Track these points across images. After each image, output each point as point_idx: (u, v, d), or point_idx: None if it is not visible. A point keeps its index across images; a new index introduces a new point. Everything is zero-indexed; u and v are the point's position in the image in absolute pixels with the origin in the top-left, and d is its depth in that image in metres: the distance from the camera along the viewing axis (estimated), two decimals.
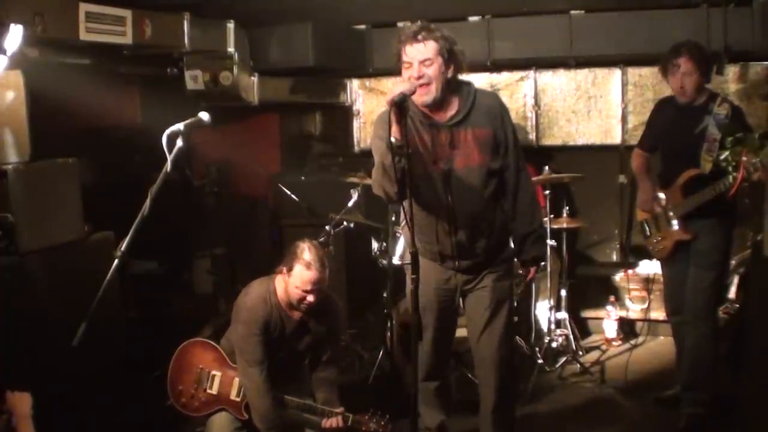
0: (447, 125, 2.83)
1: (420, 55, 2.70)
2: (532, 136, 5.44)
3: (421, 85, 2.70)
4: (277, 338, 3.10)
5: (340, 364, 3.43)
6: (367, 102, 5.88)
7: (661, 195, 3.80)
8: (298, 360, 3.27)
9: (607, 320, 5.04)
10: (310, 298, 3.02)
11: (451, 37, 2.78)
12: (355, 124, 5.94)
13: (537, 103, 5.40)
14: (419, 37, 2.71)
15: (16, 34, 3.09)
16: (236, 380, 3.15)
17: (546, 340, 4.62)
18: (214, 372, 3.21)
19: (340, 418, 3.02)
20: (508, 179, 2.96)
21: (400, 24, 5.27)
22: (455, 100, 2.84)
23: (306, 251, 3.02)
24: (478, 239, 2.95)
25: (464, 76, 2.90)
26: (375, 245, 4.47)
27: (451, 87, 2.82)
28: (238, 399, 3.13)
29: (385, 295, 4.47)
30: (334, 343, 3.31)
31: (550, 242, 4.57)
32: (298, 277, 3.00)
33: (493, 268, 3.02)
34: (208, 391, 3.19)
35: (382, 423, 2.99)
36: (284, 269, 3.06)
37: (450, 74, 2.77)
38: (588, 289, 5.26)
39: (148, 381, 3.81)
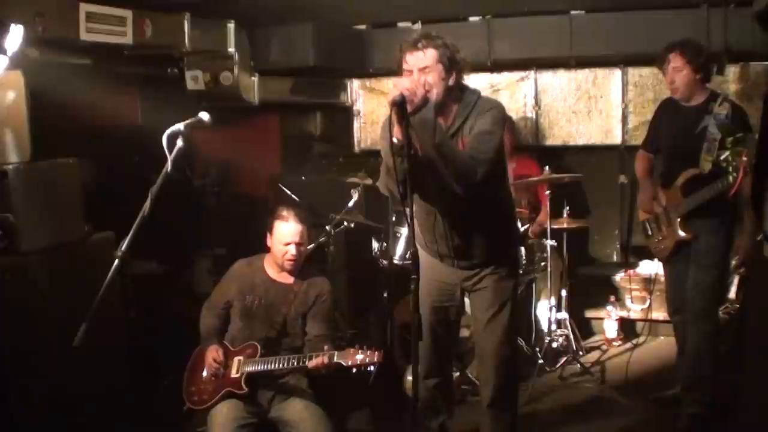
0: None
1: (420, 63, 2.70)
2: (533, 137, 5.44)
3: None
4: (259, 299, 3.30)
5: (335, 343, 3.41)
6: (368, 102, 5.88)
7: (662, 195, 3.81)
8: (291, 334, 3.29)
9: (608, 320, 5.04)
10: (292, 250, 3.26)
11: (454, 44, 2.76)
12: (356, 124, 5.94)
13: (537, 104, 5.41)
14: (419, 45, 2.71)
15: (16, 34, 3.09)
16: (236, 359, 3.21)
17: (547, 340, 4.62)
18: None
19: (326, 357, 3.02)
20: None
21: (400, 24, 5.28)
22: (455, 109, 2.82)
23: (283, 210, 3.34)
24: (474, 243, 2.97)
25: (466, 79, 2.87)
26: (375, 245, 4.47)
27: (453, 95, 2.80)
28: (237, 375, 3.17)
29: (385, 295, 4.47)
30: (325, 313, 3.34)
31: (551, 242, 4.57)
32: (278, 232, 3.28)
33: (495, 268, 3.03)
34: (213, 378, 3.23)
35: (368, 352, 2.99)
36: (268, 234, 3.33)
37: (451, 82, 2.76)
38: (589, 289, 5.26)
39: (161, 389, 3.85)
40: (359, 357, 2.98)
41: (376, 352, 2.98)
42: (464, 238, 2.95)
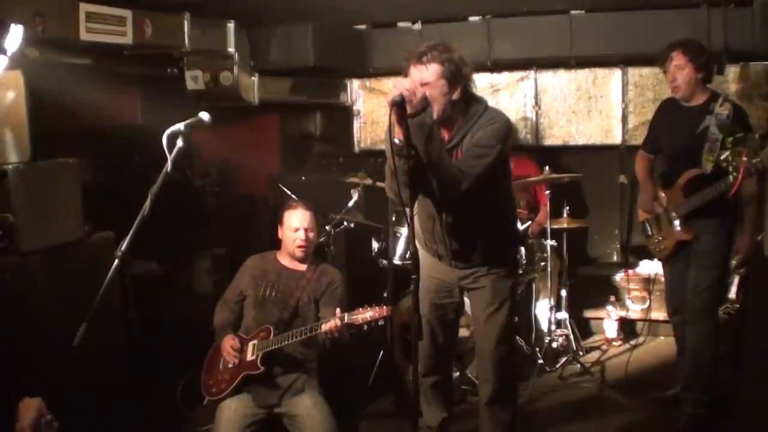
0: (446, 149, 2.77)
1: (422, 78, 2.69)
2: (532, 137, 5.44)
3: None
4: (272, 285, 3.40)
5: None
6: (368, 102, 5.88)
7: (662, 195, 3.81)
8: (303, 317, 3.34)
9: (608, 320, 5.04)
10: (301, 235, 3.40)
11: (461, 57, 2.75)
12: (355, 124, 5.94)
13: (537, 103, 5.41)
14: (423, 59, 2.70)
15: (16, 34, 3.09)
16: (250, 344, 3.26)
17: (546, 340, 4.62)
18: None
19: (337, 320, 3.08)
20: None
21: (400, 24, 5.28)
22: (459, 121, 2.82)
23: (291, 201, 3.58)
24: (472, 248, 2.98)
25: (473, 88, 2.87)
26: (375, 245, 4.47)
27: (457, 108, 2.79)
28: (253, 357, 3.21)
29: (385, 295, 4.47)
30: (337, 300, 3.39)
31: (551, 242, 4.57)
32: (287, 221, 3.44)
33: (492, 268, 3.03)
34: (229, 366, 3.27)
35: (377, 308, 3.07)
36: (279, 227, 3.48)
37: (455, 96, 2.75)
38: (588, 289, 5.26)
39: (181, 388, 3.88)
40: (369, 314, 3.06)
41: (384, 307, 3.07)
42: (462, 242, 2.96)
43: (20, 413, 2.22)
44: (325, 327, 3.08)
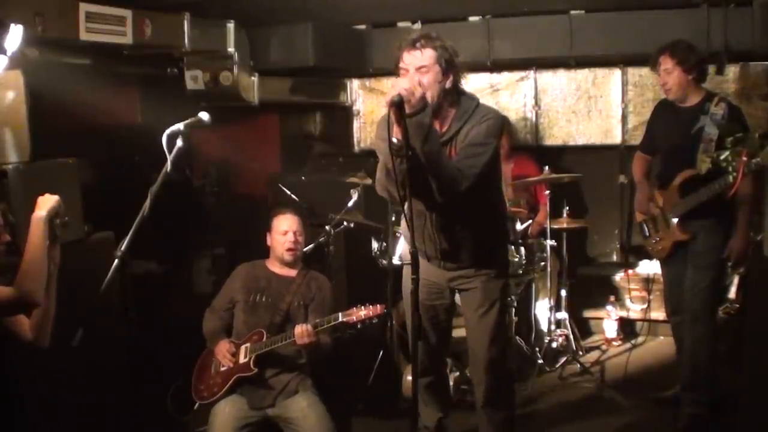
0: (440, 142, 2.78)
1: (417, 62, 2.67)
2: (532, 136, 5.44)
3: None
4: (262, 291, 3.41)
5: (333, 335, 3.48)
6: (367, 102, 5.89)
7: (658, 195, 3.81)
8: (294, 321, 3.33)
9: (608, 320, 5.05)
10: (290, 237, 3.42)
11: (453, 47, 2.74)
12: (355, 124, 5.95)
13: (537, 103, 5.41)
14: (417, 44, 2.68)
15: (16, 34, 3.09)
16: (243, 348, 3.28)
17: (546, 340, 4.63)
18: None
19: (331, 317, 3.12)
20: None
21: (400, 24, 5.28)
22: (452, 114, 2.80)
23: (279, 206, 3.65)
24: (461, 248, 2.96)
25: (465, 81, 2.85)
26: (375, 245, 4.47)
27: (450, 99, 2.77)
28: (246, 359, 3.22)
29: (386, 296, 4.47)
30: (326, 306, 3.40)
31: (550, 242, 4.57)
32: (276, 225, 3.46)
33: (482, 269, 3.01)
34: (222, 369, 3.28)
35: (371, 307, 3.11)
36: (268, 234, 3.50)
37: (448, 84, 2.74)
38: (588, 289, 5.26)
39: (172, 393, 3.88)
40: (363, 312, 3.09)
41: (378, 305, 3.10)
42: (451, 242, 2.94)
43: (38, 204, 2.37)
44: (297, 330, 3.09)
